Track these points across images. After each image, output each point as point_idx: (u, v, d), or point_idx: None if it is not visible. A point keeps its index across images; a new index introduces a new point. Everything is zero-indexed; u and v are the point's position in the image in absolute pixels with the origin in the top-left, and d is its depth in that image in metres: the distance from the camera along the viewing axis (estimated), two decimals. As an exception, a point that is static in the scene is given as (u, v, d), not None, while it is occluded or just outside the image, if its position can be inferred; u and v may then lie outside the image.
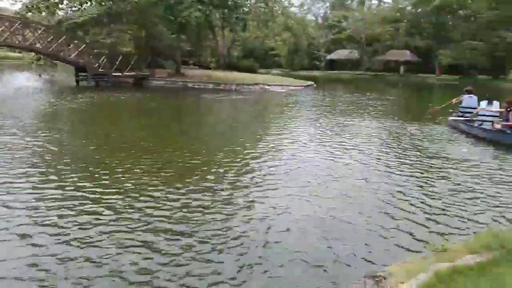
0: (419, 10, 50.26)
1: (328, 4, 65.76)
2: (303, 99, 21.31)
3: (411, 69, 51.88)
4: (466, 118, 11.54)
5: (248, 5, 32.81)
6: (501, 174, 7.20)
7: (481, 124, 10.74)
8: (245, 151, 8.45)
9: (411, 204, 5.58)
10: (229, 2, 26.15)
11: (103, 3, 25.72)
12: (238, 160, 7.69)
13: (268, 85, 27.42)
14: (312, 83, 30.86)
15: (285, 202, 5.47)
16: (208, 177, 6.52)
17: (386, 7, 60.28)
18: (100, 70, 24.90)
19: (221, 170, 6.92)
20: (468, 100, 11.90)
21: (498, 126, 9.99)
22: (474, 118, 11.17)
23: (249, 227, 4.67)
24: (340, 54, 58.72)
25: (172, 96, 21.94)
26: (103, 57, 25.53)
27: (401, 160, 8.12)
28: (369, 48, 55.65)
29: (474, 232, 4.69)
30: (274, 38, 48.41)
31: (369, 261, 3.99)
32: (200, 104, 18.80)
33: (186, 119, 13.95)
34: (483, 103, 11.13)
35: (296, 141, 9.76)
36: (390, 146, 9.59)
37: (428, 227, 4.85)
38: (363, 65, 54.44)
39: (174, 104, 18.78)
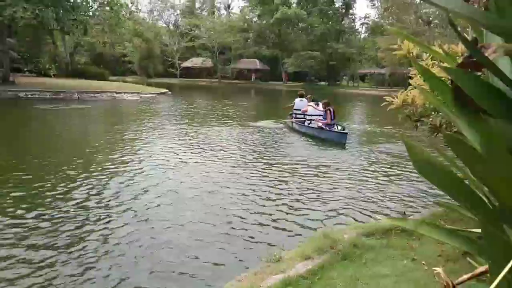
0: (264, 21, 54.25)
1: (178, 11, 65.85)
2: (155, 107, 20.63)
3: (261, 77, 55.82)
4: (298, 119, 12.82)
5: (90, 7, 30.31)
6: (332, 170, 8.00)
7: (309, 123, 12.03)
8: (76, 169, 7.59)
9: (248, 209, 5.50)
10: (65, 3, 23.52)
11: None
12: (65, 178, 6.84)
13: (118, 92, 25.80)
14: (167, 90, 30.27)
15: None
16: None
17: (234, 17, 63.39)
18: None
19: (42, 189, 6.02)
20: (299, 102, 13.33)
21: (319, 124, 11.34)
22: (306, 118, 12.47)
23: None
24: (195, 62, 59.50)
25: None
26: None
27: (240, 161, 8.39)
28: (222, 56, 57.74)
29: (314, 228, 4.76)
30: (124, 44, 45.96)
31: (200, 280, 3.66)
32: (31, 116, 16.36)
33: (6, 135, 11.93)
34: (312, 104, 12.49)
35: (142, 152, 9.22)
36: (231, 147, 9.84)
37: (264, 234, 4.70)
38: (218, 73, 56.21)
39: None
